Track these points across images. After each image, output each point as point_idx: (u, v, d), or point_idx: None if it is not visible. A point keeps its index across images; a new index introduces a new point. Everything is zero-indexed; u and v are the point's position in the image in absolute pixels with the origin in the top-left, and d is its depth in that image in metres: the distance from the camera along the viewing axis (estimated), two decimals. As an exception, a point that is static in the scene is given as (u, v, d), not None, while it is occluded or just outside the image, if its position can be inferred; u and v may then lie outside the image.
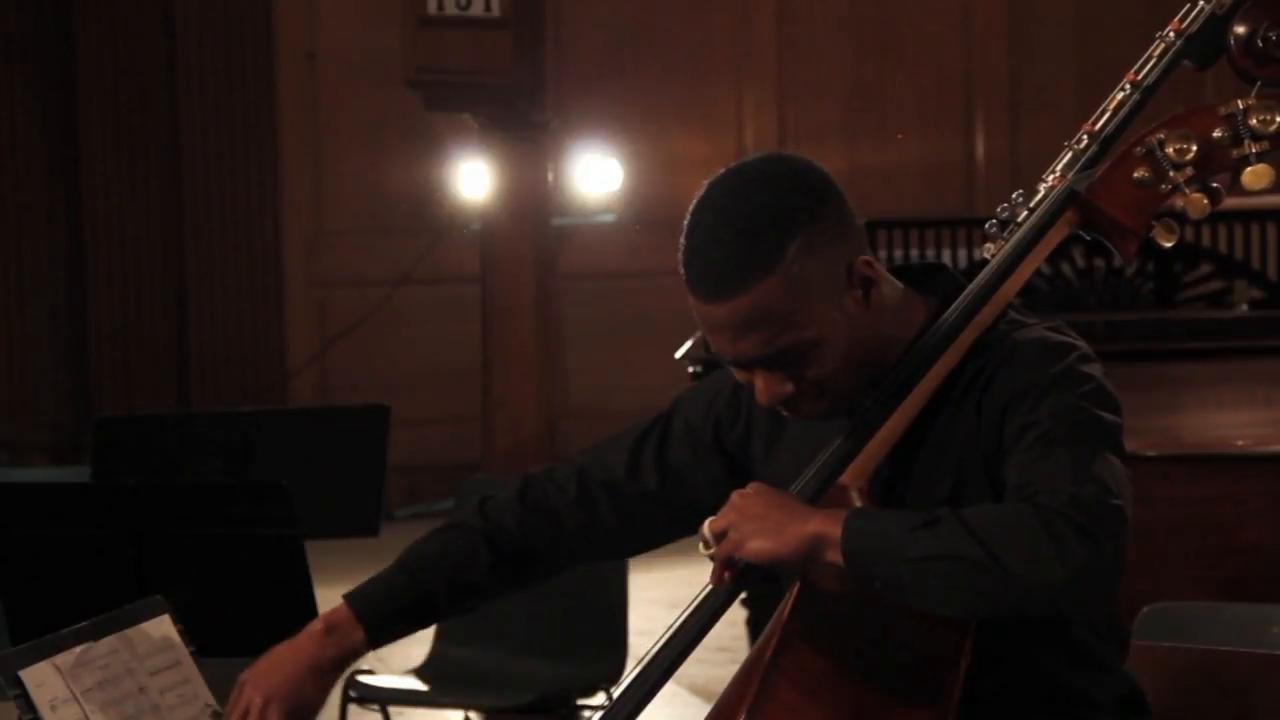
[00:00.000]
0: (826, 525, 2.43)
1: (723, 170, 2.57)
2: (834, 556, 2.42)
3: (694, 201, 2.55)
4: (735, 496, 2.51)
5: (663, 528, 2.83)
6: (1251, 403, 6.09)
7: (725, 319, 2.50)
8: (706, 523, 2.52)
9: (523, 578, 2.83)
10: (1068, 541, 2.33)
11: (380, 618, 2.75)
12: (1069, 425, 2.44)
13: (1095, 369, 2.53)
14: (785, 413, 2.59)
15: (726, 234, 2.49)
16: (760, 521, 2.46)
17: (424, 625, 2.83)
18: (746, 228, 2.49)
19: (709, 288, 2.50)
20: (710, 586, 2.55)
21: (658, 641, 2.56)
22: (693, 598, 2.57)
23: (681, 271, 2.54)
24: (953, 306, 2.58)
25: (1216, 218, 6.67)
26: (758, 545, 2.45)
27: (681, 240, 2.54)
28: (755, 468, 2.74)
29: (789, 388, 2.55)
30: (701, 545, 2.54)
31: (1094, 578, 2.34)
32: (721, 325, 2.52)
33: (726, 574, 2.52)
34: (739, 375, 2.61)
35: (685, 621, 2.55)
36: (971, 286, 2.59)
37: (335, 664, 2.75)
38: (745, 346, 2.52)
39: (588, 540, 2.81)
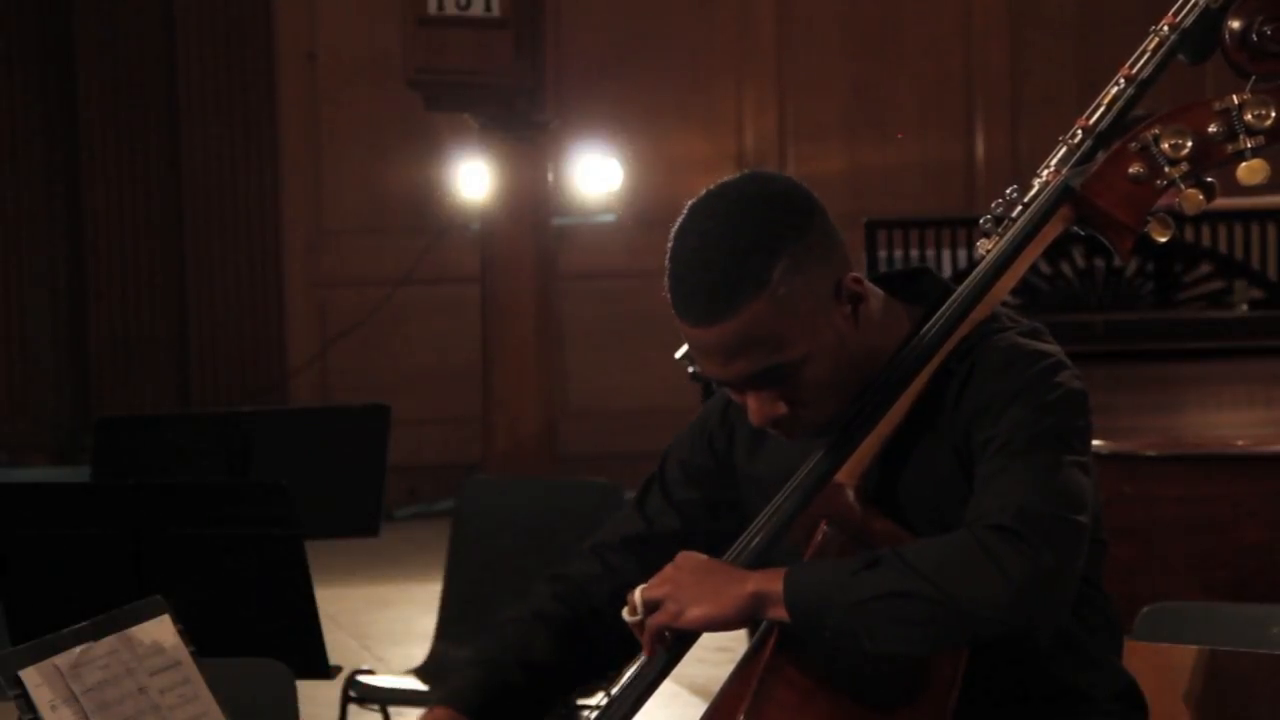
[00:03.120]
0: (766, 583, 2.44)
1: (704, 192, 2.56)
2: (778, 613, 2.43)
3: (676, 225, 2.54)
4: (667, 568, 2.50)
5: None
6: (1251, 403, 6.09)
7: (715, 343, 2.50)
8: (637, 590, 2.52)
9: (592, 652, 2.74)
10: (1006, 557, 2.34)
11: (479, 704, 2.68)
12: (1026, 438, 2.44)
13: (1064, 376, 2.51)
14: (778, 433, 2.59)
15: (711, 257, 2.48)
16: (697, 588, 2.47)
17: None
18: (731, 250, 2.48)
19: (696, 312, 2.49)
20: (644, 657, 2.53)
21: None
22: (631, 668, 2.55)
23: (667, 296, 2.53)
24: (944, 306, 2.58)
25: (1216, 217, 6.67)
26: (698, 612, 2.46)
27: (666, 264, 2.53)
28: (739, 471, 2.74)
29: (781, 407, 2.54)
30: (626, 612, 2.52)
31: (1038, 588, 2.36)
32: (711, 349, 2.51)
33: (658, 645, 2.51)
34: (732, 396, 2.61)
35: (623, 690, 2.54)
36: (965, 283, 2.59)
37: None
38: (736, 369, 2.51)
39: (623, 602, 2.66)
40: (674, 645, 2.53)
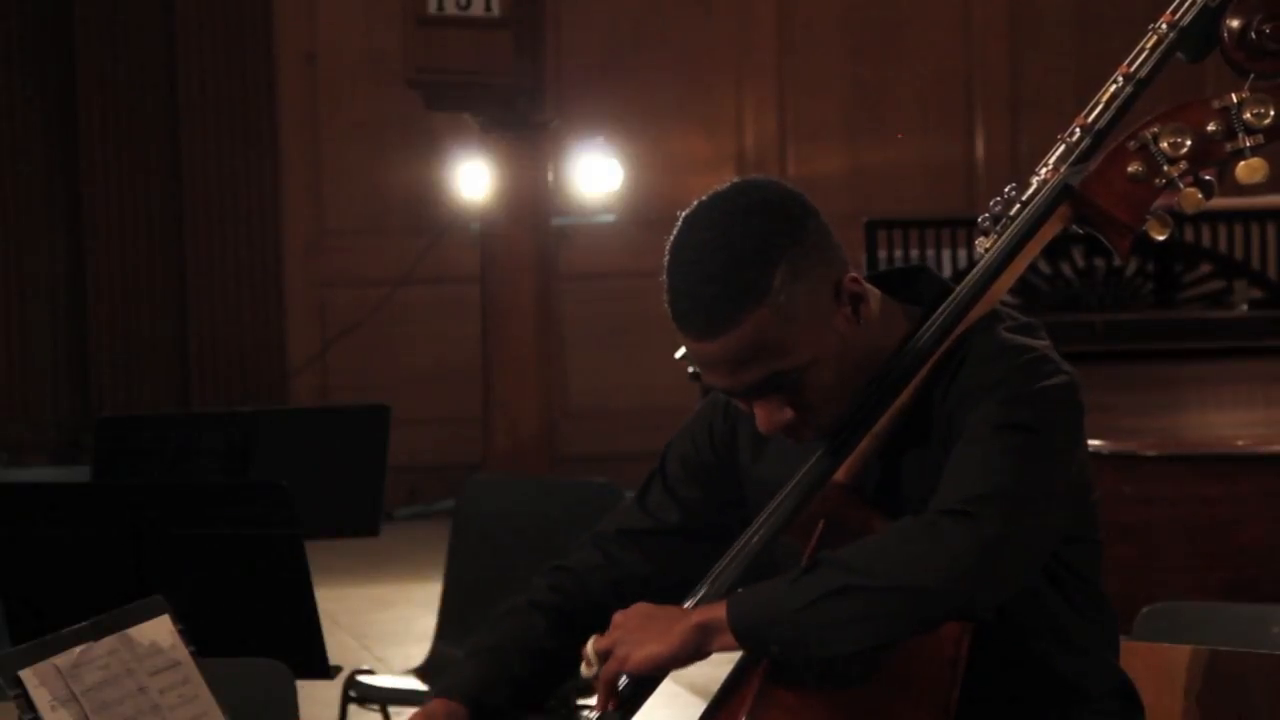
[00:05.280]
0: (709, 612, 2.45)
1: (694, 204, 2.55)
2: (725, 640, 2.43)
3: (672, 239, 2.54)
4: (616, 617, 2.51)
5: (696, 559, 2.74)
6: (1251, 403, 6.10)
7: (719, 355, 2.50)
8: (590, 644, 2.52)
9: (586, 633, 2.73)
10: (945, 532, 2.35)
11: (476, 693, 2.66)
12: (991, 426, 2.44)
13: (1045, 369, 2.50)
14: (788, 438, 2.58)
15: (710, 270, 2.48)
16: (641, 632, 2.47)
17: (518, 709, 2.72)
18: (729, 262, 2.47)
19: (699, 326, 2.49)
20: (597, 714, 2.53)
21: None
22: None
23: (668, 311, 2.53)
24: (943, 305, 2.57)
25: (1216, 217, 6.68)
26: (646, 652, 2.46)
27: (664, 279, 2.53)
28: (742, 468, 2.74)
29: (789, 413, 2.54)
30: (584, 666, 2.52)
31: (978, 557, 2.35)
32: (716, 361, 2.51)
33: (611, 698, 2.50)
34: (739, 404, 2.61)
35: None
36: (965, 282, 2.59)
37: None
38: (741, 379, 2.51)
39: (622, 594, 2.71)
40: (630, 697, 2.51)
